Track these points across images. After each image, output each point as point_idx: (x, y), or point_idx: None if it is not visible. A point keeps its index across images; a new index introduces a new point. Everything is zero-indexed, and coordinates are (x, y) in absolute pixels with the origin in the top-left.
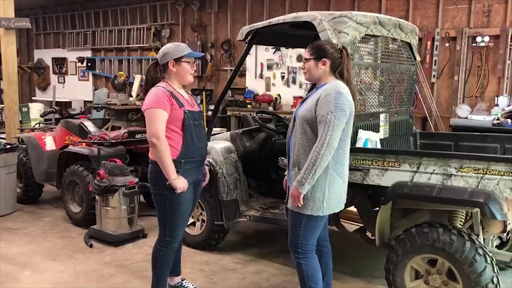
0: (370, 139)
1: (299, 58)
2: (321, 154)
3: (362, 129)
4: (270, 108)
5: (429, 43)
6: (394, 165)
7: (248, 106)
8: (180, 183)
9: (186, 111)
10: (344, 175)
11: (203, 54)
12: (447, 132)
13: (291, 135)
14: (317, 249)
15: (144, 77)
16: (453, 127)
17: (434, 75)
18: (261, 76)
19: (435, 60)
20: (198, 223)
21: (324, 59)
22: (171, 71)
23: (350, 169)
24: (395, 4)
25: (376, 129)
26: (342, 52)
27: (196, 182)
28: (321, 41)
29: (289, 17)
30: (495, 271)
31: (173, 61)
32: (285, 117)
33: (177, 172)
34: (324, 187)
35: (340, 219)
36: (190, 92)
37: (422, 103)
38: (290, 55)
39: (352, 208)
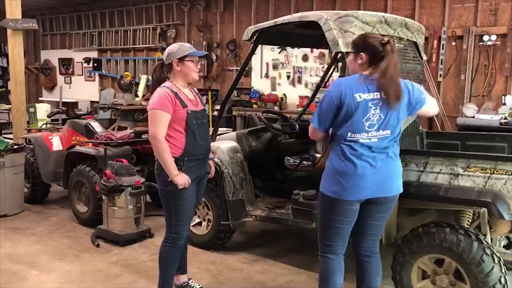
0: None
1: (305, 57)
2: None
3: None
4: (276, 108)
5: (435, 42)
6: (401, 164)
7: (254, 106)
8: (181, 179)
9: (189, 111)
10: None
11: (206, 52)
12: (454, 132)
13: None
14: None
15: (150, 77)
16: (459, 126)
17: (440, 74)
18: (266, 76)
19: (442, 59)
20: (204, 223)
21: (361, 53)
22: (176, 70)
23: None
24: (401, 3)
25: None
26: (385, 46)
27: (199, 178)
28: (365, 34)
29: (294, 16)
30: (503, 271)
31: (177, 60)
32: (290, 116)
33: (180, 169)
34: None
35: None
36: (196, 90)
37: None
38: (296, 55)
39: None
